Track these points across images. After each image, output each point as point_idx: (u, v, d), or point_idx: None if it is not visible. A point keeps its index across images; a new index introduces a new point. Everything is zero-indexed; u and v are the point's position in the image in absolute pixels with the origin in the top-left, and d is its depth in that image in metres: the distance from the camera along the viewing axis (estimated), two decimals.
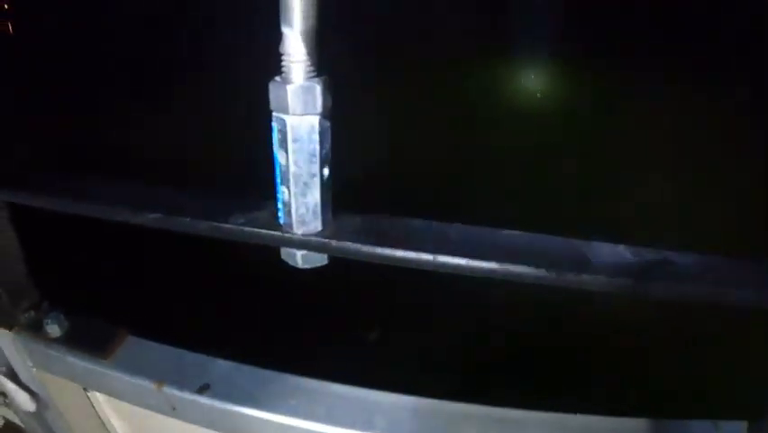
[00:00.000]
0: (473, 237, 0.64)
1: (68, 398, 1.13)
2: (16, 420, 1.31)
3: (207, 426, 0.96)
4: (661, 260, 0.59)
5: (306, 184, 0.62)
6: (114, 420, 1.19)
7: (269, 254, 0.71)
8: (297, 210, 0.64)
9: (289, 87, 0.57)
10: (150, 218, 0.70)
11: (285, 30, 0.56)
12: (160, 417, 1.01)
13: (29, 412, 1.16)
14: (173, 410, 0.97)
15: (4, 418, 1.40)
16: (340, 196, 0.69)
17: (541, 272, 0.58)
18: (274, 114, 0.60)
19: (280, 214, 0.66)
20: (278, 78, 0.59)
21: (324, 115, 0.60)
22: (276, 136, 0.60)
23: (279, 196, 0.64)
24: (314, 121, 0.59)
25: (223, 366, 0.98)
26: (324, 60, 0.59)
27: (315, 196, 0.63)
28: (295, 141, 0.59)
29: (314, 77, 0.58)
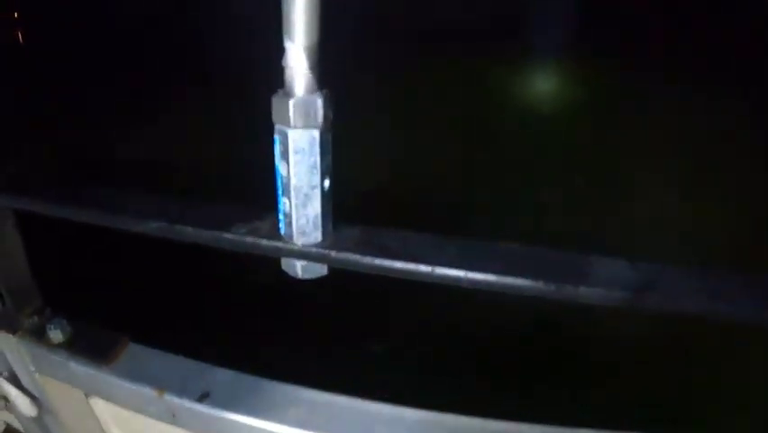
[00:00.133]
0: (472, 250, 0.64)
1: (69, 404, 1.13)
2: (18, 425, 1.32)
3: None
4: (659, 273, 0.59)
5: (306, 195, 0.63)
6: (115, 428, 1.19)
7: (273, 265, 0.72)
8: (297, 221, 0.64)
9: (291, 101, 0.57)
10: (153, 227, 0.71)
11: (287, 43, 0.56)
12: (160, 425, 1.01)
13: (30, 417, 1.17)
14: (173, 418, 0.97)
15: (5, 422, 1.41)
16: (341, 208, 0.69)
17: (539, 285, 0.58)
18: (276, 126, 0.61)
19: (281, 225, 0.66)
20: (280, 92, 0.59)
21: (325, 128, 0.60)
22: (278, 148, 0.61)
23: (281, 207, 0.65)
24: (315, 134, 0.59)
25: (223, 375, 0.98)
26: (325, 74, 0.60)
27: (315, 207, 0.64)
28: (296, 153, 0.60)
29: (315, 90, 0.59)
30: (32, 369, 1.08)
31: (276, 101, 0.59)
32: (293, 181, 0.61)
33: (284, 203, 0.64)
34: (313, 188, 0.62)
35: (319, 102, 0.58)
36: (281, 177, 0.63)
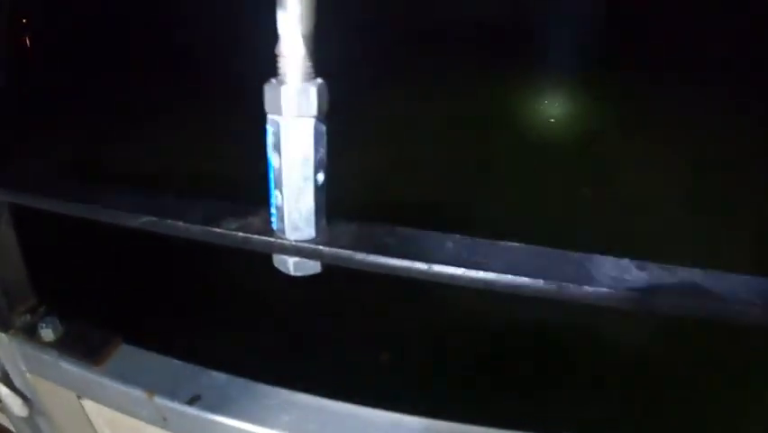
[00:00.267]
0: (471, 248, 0.62)
1: (60, 405, 1.11)
2: (9, 425, 1.29)
3: None
4: (666, 274, 0.56)
5: (299, 189, 0.61)
6: (106, 431, 1.17)
7: (269, 267, 0.70)
8: (289, 215, 0.62)
9: (283, 89, 0.56)
10: (143, 221, 0.69)
11: (282, 30, 0.55)
12: (153, 429, 0.98)
13: (21, 418, 1.15)
14: (164, 421, 0.95)
15: None
16: (336, 204, 0.67)
17: (541, 284, 0.56)
18: (268, 116, 0.59)
19: (273, 219, 0.64)
20: (272, 80, 0.58)
21: (320, 119, 0.58)
22: (270, 139, 0.59)
23: (273, 200, 0.63)
24: (308, 124, 0.57)
25: (215, 378, 0.95)
26: (321, 63, 0.58)
27: (308, 201, 0.62)
28: (288, 143, 0.58)
29: (310, 79, 0.57)
30: (24, 368, 1.06)
31: (268, 89, 0.57)
32: (285, 173, 0.59)
33: (276, 196, 0.62)
34: (306, 180, 0.60)
35: (314, 90, 0.56)
36: (273, 169, 0.61)
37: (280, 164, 0.59)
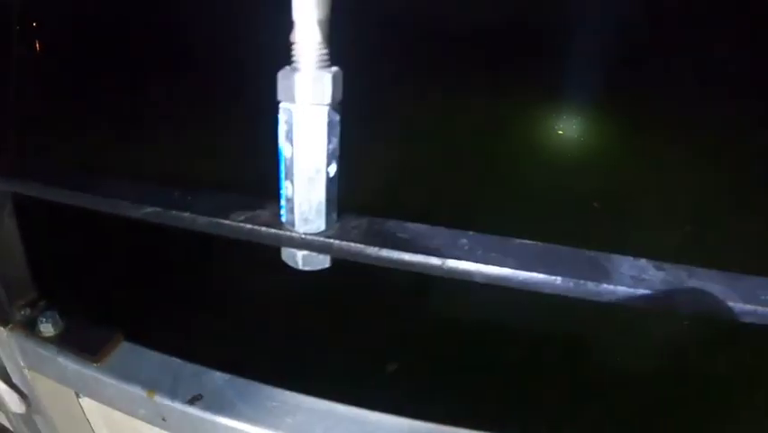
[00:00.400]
0: (486, 244, 0.60)
1: (58, 402, 1.09)
2: (5, 422, 1.27)
3: None
4: (685, 274, 0.54)
5: (310, 180, 0.59)
6: (104, 430, 1.14)
7: (277, 264, 0.68)
8: (299, 207, 0.60)
9: (297, 76, 0.54)
10: (148, 212, 0.68)
11: (297, 15, 0.54)
12: (152, 429, 0.96)
13: (19, 416, 1.13)
14: (163, 421, 0.93)
15: None
16: (349, 199, 0.65)
17: (558, 281, 0.54)
18: (281, 105, 0.57)
19: (283, 211, 0.63)
20: (286, 68, 0.56)
21: (334, 108, 0.57)
22: (282, 128, 0.58)
23: (282, 192, 0.62)
24: (322, 112, 0.56)
25: (217, 378, 0.93)
26: (335, 52, 0.57)
27: (319, 193, 0.60)
28: (301, 132, 0.56)
29: (325, 66, 0.56)
30: (22, 364, 1.04)
31: (282, 76, 0.56)
32: (296, 163, 0.58)
33: (286, 187, 0.61)
34: (317, 171, 0.59)
35: (329, 77, 0.55)
36: (284, 159, 0.59)
37: (292, 154, 0.58)
